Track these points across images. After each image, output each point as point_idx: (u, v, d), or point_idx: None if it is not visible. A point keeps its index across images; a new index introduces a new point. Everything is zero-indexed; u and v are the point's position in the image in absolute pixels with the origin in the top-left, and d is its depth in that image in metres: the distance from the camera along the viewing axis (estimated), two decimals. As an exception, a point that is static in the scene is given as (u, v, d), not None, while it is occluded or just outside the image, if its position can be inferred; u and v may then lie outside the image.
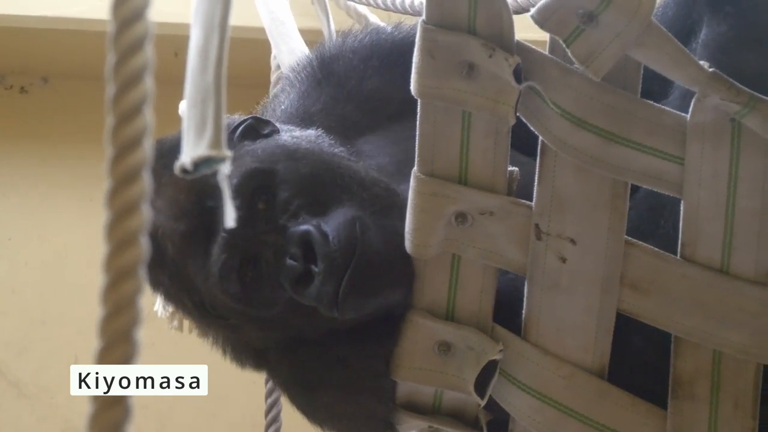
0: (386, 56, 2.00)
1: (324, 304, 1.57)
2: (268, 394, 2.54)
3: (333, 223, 1.58)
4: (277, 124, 1.87)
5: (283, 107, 2.04)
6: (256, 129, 1.81)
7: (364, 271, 1.55)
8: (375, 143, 1.92)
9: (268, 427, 2.55)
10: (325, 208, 1.62)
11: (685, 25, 1.67)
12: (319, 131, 1.84)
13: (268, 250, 1.63)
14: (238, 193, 1.62)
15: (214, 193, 1.62)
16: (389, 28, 2.10)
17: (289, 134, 1.80)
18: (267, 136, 1.80)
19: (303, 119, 1.97)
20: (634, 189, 1.57)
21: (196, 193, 1.66)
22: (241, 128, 1.80)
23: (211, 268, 1.66)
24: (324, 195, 1.65)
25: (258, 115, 1.86)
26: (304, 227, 1.58)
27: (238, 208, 1.61)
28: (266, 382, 2.54)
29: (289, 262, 1.59)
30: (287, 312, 1.67)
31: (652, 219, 1.56)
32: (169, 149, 1.61)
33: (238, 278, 1.65)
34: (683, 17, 1.69)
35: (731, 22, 1.55)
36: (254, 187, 1.64)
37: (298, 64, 2.13)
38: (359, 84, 1.99)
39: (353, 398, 1.73)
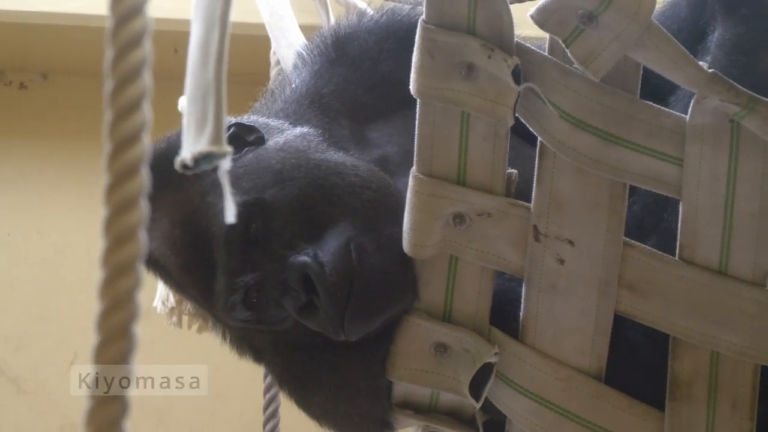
0: (403, 38, 1.94)
1: (331, 332, 1.59)
2: (267, 390, 2.54)
3: (328, 251, 1.58)
4: (265, 124, 1.85)
5: (293, 86, 2.01)
6: (240, 136, 1.79)
7: (365, 294, 1.56)
8: (384, 130, 1.91)
9: (266, 422, 2.55)
10: (320, 230, 1.62)
11: (697, 26, 1.67)
12: (306, 129, 1.81)
13: (270, 279, 1.63)
14: (230, 230, 1.61)
15: (209, 222, 1.63)
16: (407, 9, 2.07)
17: (274, 144, 1.77)
18: (252, 143, 1.78)
19: (313, 100, 1.95)
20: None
21: (190, 227, 1.66)
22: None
23: (216, 302, 1.68)
24: (316, 215, 1.64)
25: (241, 121, 1.83)
26: (301, 259, 1.58)
27: (234, 244, 1.62)
28: (265, 378, 2.54)
29: (292, 292, 1.61)
30: (293, 326, 1.68)
31: (656, 212, 1.55)
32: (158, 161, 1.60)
33: (244, 306, 1.66)
34: (695, 18, 1.69)
35: (750, 25, 1.54)
36: (245, 221, 1.62)
37: (311, 42, 2.10)
38: (373, 67, 1.97)
39: (348, 397, 1.73)
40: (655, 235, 1.52)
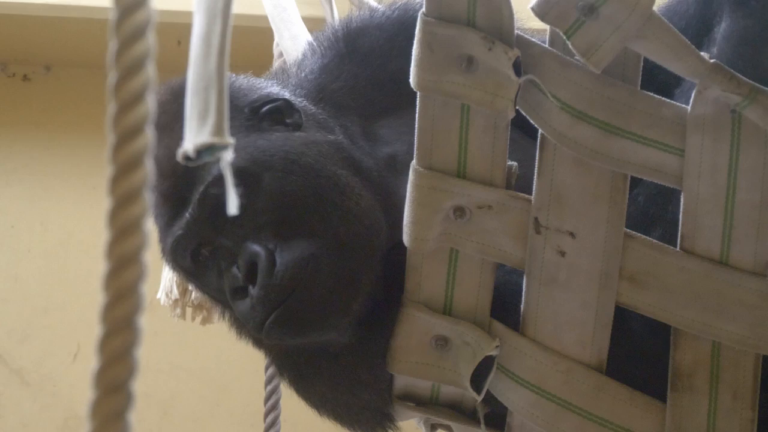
0: (414, 35, 1.93)
1: (251, 326, 1.62)
2: (268, 381, 2.55)
3: (286, 256, 1.59)
4: (311, 115, 1.84)
5: (303, 74, 2.00)
6: (282, 114, 1.79)
7: (296, 311, 1.58)
8: (394, 128, 1.90)
9: (267, 414, 2.56)
10: (293, 232, 1.62)
11: (705, 21, 1.67)
12: (341, 138, 1.81)
13: (224, 248, 1.65)
14: (216, 182, 1.63)
15: (203, 169, 1.64)
16: (419, 4, 2.06)
17: (303, 137, 1.77)
18: (287, 126, 1.78)
19: (324, 96, 1.94)
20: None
21: (183, 175, 1.67)
22: (269, 107, 1.79)
23: (168, 238, 1.71)
24: (298, 218, 1.64)
25: (291, 100, 1.83)
26: (256, 248, 1.60)
27: (211, 197, 1.64)
28: (266, 369, 2.55)
29: (234, 271, 1.63)
30: None
31: (660, 204, 1.55)
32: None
33: (192, 256, 1.69)
34: (703, 12, 1.69)
35: (758, 17, 1.54)
36: (235, 184, 1.63)
37: (322, 33, 2.08)
38: (383, 64, 1.96)
39: (348, 388, 1.74)
40: (659, 226, 1.52)
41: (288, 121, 1.79)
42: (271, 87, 1.90)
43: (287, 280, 1.56)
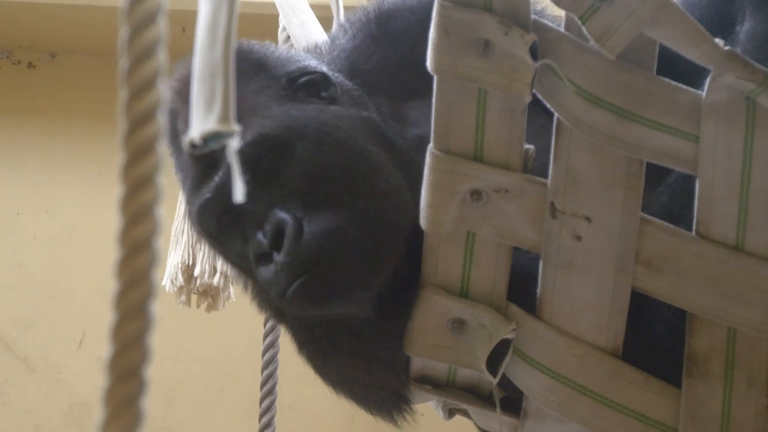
0: None
1: (273, 292, 1.61)
2: (265, 366, 2.57)
3: (316, 225, 1.59)
4: (346, 91, 1.85)
5: (335, 53, 2.01)
6: (318, 87, 1.79)
7: (320, 280, 1.58)
8: (423, 110, 1.87)
9: (263, 399, 2.58)
10: (321, 203, 1.62)
11: (721, 12, 1.66)
12: (374, 115, 1.81)
13: (251, 213, 1.65)
14: (252, 147, 1.63)
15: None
16: None
17: (337, 111, 1.77)
18: (323, 99, 1.78)
19: (354, 75, 1.94)
20: (666, 173, 1.57)
21: None
22: (306, 79, 1.79)
23: (196, 197, 1.70)
24: (327, 190, 1.64)
25: (329, 74, 1.84)
26: (284, 215, 1.60)
27: (243, 162, 1.62)
28: (263, 354, 2.57)
29: (260, 237, 1.62)
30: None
31: (684, 201, 1.55)
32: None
33: (217, 220, 1.69)
34: (720, 4, 1.68)
35: None
36: (267, 150, 1.64)
37: (354, 14, 2.08)
38: (414, 47, 1.93)
39: (366, 367, 1.74)
40: (683, 225, 1.52)
41: (324, 94, 1.79)
42: (309, 60, 1.90)
43: (314, 250, 1.56)
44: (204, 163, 1.69)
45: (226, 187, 1.64)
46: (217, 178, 1.66)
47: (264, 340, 2.61)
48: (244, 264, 1.72)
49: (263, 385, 2.59)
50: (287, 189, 1.63)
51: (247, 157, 1.61)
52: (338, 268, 1.58)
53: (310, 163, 1.65)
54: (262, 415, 2.59)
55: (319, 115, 1.73)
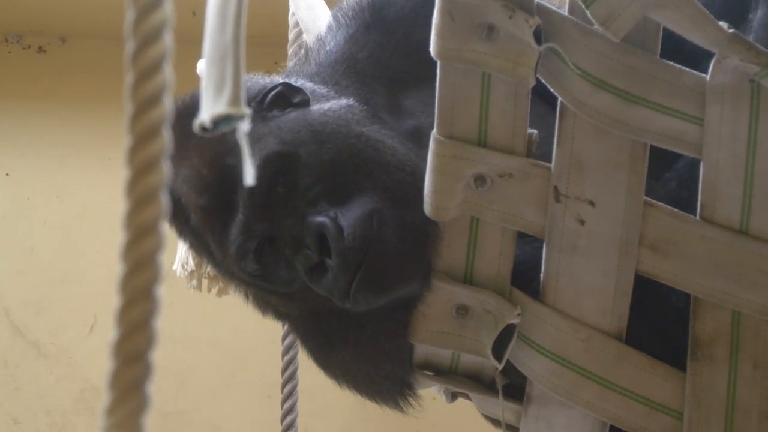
0: None
1: (336, 297, 1.59)
2: (285, 351, 2.55)
3: (350, 217, 1.58)
4: (312, 90, 1.84)
5: (327, 48, 2.00)
6: (286, 96, 1.79)
7: (377, 268, 1.56)
8: (419, 99, 1.89)
9: (284, 384, 2.56)
10: (345, 196, 1.62)
11: (742, 4, 1.66)
12: (351, 101, 1.80)
13: (286, 234, 1.64)
14: (259, 174, 1.60)
15: (238, 164, 1.62)
16: None
17: (318, 109, 1.77)
18: (297, 105, 1.78)
19: (348, 66, 1.94)
20: (675, 159, 1.57)
21: (219, 168, 1.66)
22: (271, 95, 1.79)
23: (229, 247, 1.68)
24: (346, 182, 1.64)
25: (290, 81, 1.83)
26: (320, 219, 1.58)
27: (258, 191, 1.61)
28: (283, 339, 2.56)
29: (305, 252, 1.61)
30: (306, 289, 1.67)
31: (693, 188, 1.54)
32: (191, 109, 1.61)
33: (255, 258, 1.67)
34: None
35: None
36: (275, 171, 1.63)
37: (346, 3, 2.07)
38: (408, 34, 1.94)
39: (370, 357, 1.74)
40: (691, 211, 1.52)
41: (295, 101, 1.79)
42: (263, 79, 1.90)
43: (359, 240, 1.55)
44: (220, 210, 1.68)
45: (252, 221, 1.64)
46: (240, 217, 1.65)
47: (284, 325, 2.61)
48: (293, 288, 1.70)
49: (284, 370, 2.58)
50: (308, 197, 1.63)
51: (261, 184, 1.61)
52: (389, 249, 1.57)
53: (319, 163, 1.65)
54: (284, 401, 2.58)
55: (304, 119, 1.73)
